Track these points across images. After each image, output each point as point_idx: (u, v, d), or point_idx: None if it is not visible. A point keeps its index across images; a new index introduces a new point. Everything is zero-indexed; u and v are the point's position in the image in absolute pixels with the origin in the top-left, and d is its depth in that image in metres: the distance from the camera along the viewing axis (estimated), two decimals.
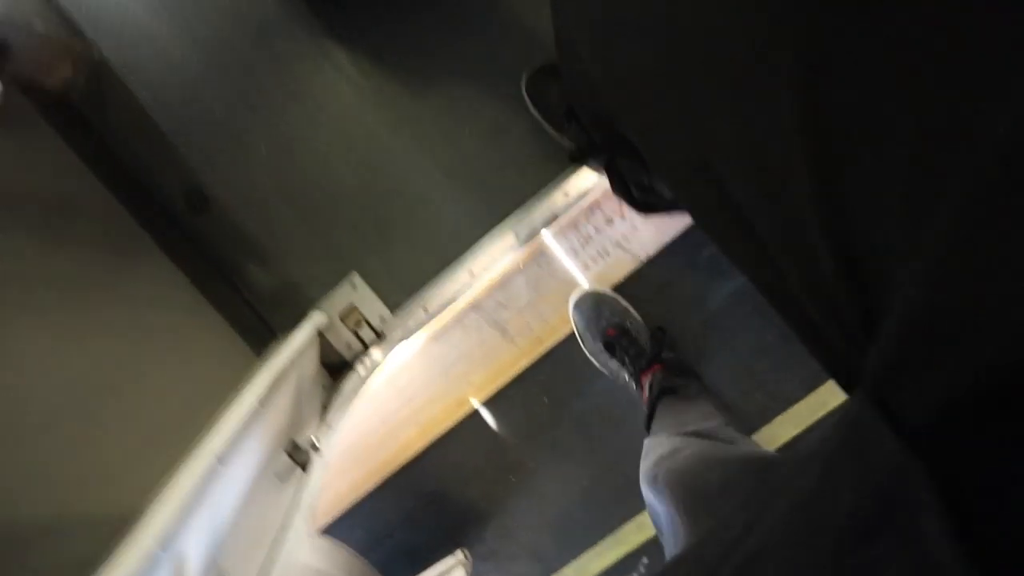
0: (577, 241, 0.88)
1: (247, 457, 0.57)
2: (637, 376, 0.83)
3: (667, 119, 0.30)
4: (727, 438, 0.70)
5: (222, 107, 0.79)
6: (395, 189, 0.80)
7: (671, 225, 0.85)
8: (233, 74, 0.78)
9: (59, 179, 0.69)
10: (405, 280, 0.81)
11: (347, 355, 0.85)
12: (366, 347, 0.84)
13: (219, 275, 0.82)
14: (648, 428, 0.79)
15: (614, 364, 0.85)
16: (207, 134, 0.79)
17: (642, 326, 0.86)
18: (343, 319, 0.84)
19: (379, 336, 0.83)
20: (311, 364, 0.80)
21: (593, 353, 0.88)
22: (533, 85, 0.74)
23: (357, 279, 0.83)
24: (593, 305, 0.85)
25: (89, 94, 0.79)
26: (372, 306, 0.83)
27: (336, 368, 0.86)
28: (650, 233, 0.86)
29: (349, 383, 0.83)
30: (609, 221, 0.87)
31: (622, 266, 0.87)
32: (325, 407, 0.80)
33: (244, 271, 0.83)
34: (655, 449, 0.69)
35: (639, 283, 0.88)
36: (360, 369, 0.84)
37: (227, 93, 0.79)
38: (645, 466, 0.68)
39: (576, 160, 0.70)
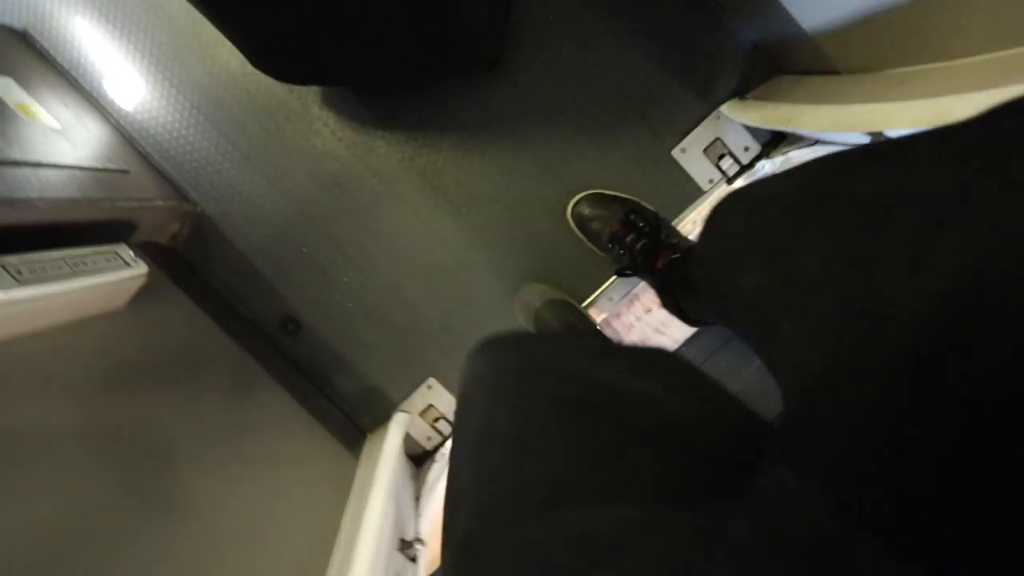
0: (622, 330, 0.99)
1: (377, 573, 0.69)
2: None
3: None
4: None
5: (308, 245, 0.91)
6: (461, 300, 0.92)
7: None
8: (315, 218, 0.91)
9: (187, 333, 0.81)
10: None
11: (427, 446, 0.98)
12: (445, 438, 0.96)
13: (315, 388, 0.95)
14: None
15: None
16: (297, 269, 0.92)
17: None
18: (422, 415, 0.96)
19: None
20: (401, 460, 0.92)
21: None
22: (576, 213, 0.85)
23: (433, 381, 0.95)
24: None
25: (193, 244, 0.92)
26: (447, 403, 0.95)
27: (419, 459, 0.99)
28: None
29: (432, 472, 0.95)
30: (648, 310, 0.98)
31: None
32: (417, 498, 0.92)
33: (335, 382, 0.95)
34: None
35: None
36: (439, 458, 0.96)
37: (312, 234, 0.91)
38: None
39: (622, 275, 0.81)
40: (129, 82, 0.88)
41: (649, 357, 0.38)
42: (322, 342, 0.94)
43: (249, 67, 0.86)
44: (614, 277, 0.90)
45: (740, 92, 0.84)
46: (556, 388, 0.34)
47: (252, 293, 0.93)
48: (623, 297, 0.92)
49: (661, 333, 0.98)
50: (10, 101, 0.74)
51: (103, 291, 0.67)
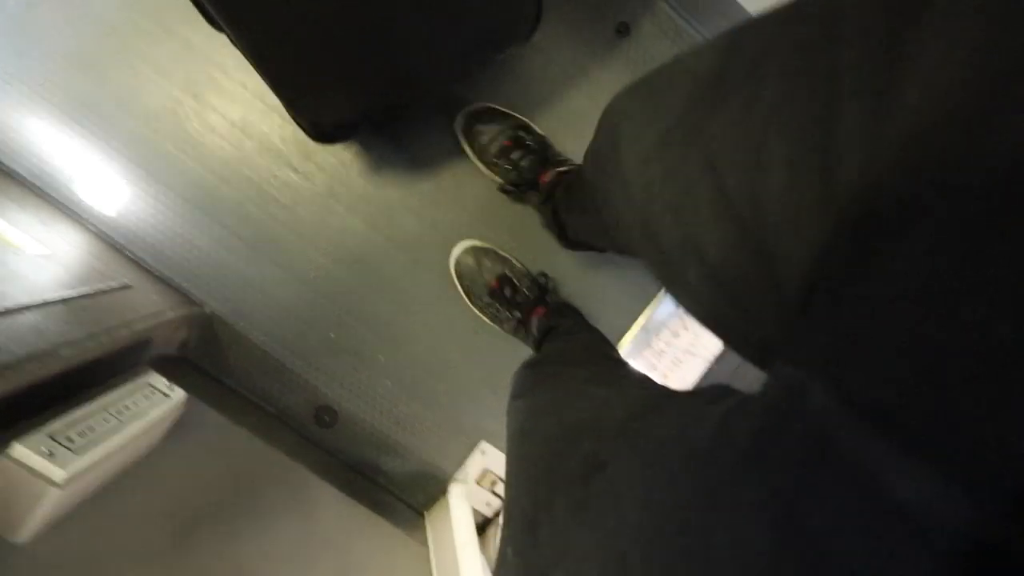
0: (653, 357, 1.01)
1: None
2: (526, 319, 0.82)
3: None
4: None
5: (336, 329, 0.86)
6: (504, 356, 0.90)
7: None
8: (340, 299, 0.86)
9: (227, 452, 0.74)
10: None
11: (488, 513, 0.94)
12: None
13: (362, 476, 0.89)
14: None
15: (503, 313, 0.84)
16: (326, 356, 0.87)
17: (523, 272, 0.86)
18: (479, 483, 0.93)
19: None
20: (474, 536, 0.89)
21: (480, 308, 0.87)
22: (464, 126, 0.83)
23: (485, 445, 0.92)
24: (474, 260, 0.85)
25: (205, 348, 0.84)
26: (502, 464, 0.93)
27: (480, 527, 0.95)
28: (710, 337, 1.01)
29: (497, 538, 0.92)
30: (676, 335, 1.01)
31: (695, 368, 1.02)
32: (489, 568, 0.89)
33: (381, 465, 0.90)
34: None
35: (709, 377, 1.03)
36: (501, 522, 0.94)
37: (338, 316, 0.86)
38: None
39: (505, 191, 0.83)
40: (105, 183, 0.80)
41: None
42: (362, 426, 0.89)
43: (245, 150, 0.81)
44: (647, 314, 0.92)
45: None
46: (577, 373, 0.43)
47: (281, 389, 0.86)
48: (656, 330, 0.94)
49: (692, 355, 1.02)
50: None
51: (149, 432, 0.60)
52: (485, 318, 0.87)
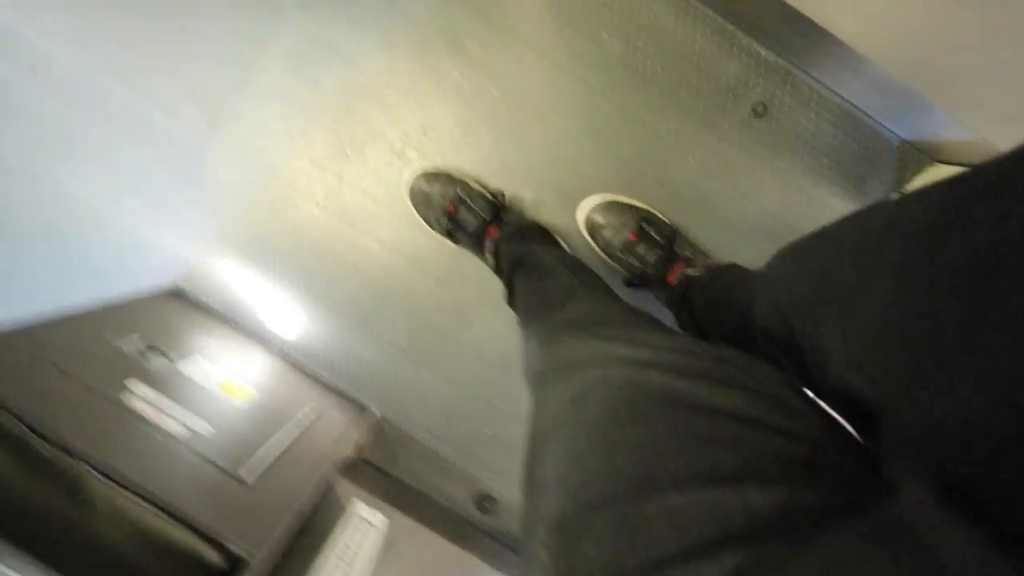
0: None
1: None
2: (480, 242, 0.77)
3: None
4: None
5: (491, 425, 0.91)
6: None
7: None
8: (493, 399, 0.91)
9: (418, 555, 0.82)
10: None
11: None
12: None
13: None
14: (512, 305, 0.70)
15: (465, 239, 0.79)
16: (482, 448, 0.92)
17: (477, 193, 0.80)
18: None
19: None
20: None
21: (443, 235, 0.82)
22: (588, 219, 0.81)
23: None
24: (425, 186, 0.80)
25: (377, 449, 0.93)
26: None
27: None
28: None
29: None
30: None
31: None
32: None
33: None
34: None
35: None
36: None
37: (492, 413, 0.91)
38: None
39: (631, 286, 0.79)
40: (287, 312, 0.90)
41: (730, 355, 0.37)
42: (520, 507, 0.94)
43: (396, 267, 0.87)
44: None
45: (896, 187, 0.81)
46: (640, 375, 0.33)
47: (443, 480, 0.93)
48: None
49: None
50: (209, 383, 0.75)
51: (369, 567, 0.67)
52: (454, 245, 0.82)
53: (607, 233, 0.81)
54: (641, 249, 0.77)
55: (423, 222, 0.83)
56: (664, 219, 0.82)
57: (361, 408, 0.91)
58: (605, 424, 0.31)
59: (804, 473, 0.26)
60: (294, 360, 0.91)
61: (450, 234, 0.80)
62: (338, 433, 0.81)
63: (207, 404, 0.70)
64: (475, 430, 0.92)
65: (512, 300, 0.70)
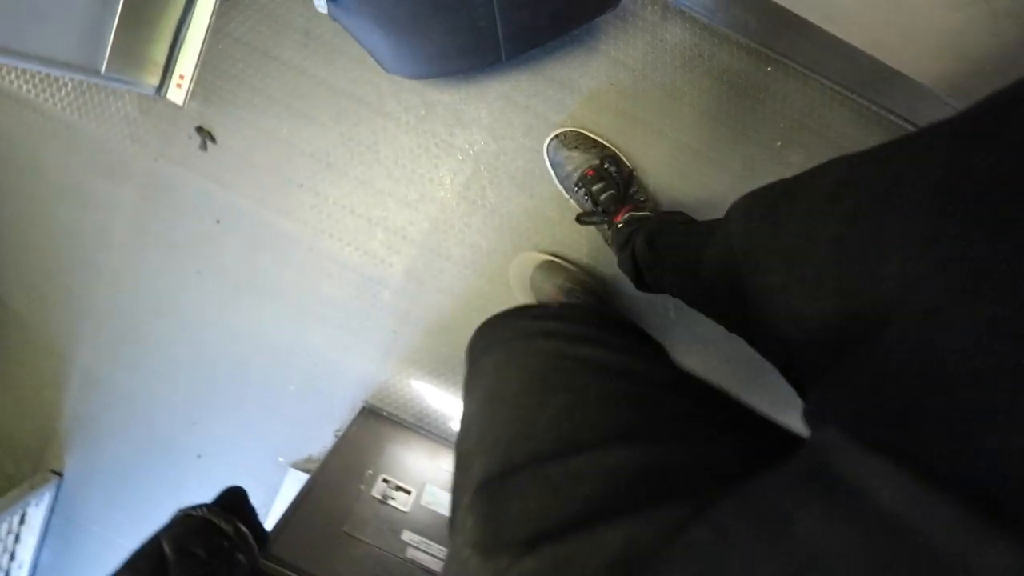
0: None
1: None
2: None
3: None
4: None
5: None
6: None
7: None
8: None
9: None
10: None
11: None
12: None
13: None
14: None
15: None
16: None
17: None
18: None
19: None
20: None
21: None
22: (552, 146, 0.82)
23: None
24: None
25: None
26: None
27: None
28: None
29: None
30: None
31: None
32: None
33: None
34: None
35: None
36: None
37: None
38: None
39: (581, 222, 0.79)
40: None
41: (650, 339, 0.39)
42: None
43: None
44: None
45: None
46: (566, 348, 0.34)
47: None
48: None
49: None
50: (436, 505, 0.80)
51: None
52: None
53: (568, 167, 0.80)
54: (596, 187, 0.77)
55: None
56: (626, 161, 0.82)
57: None
58: (529, 389, 0.32)
59: (723, 431, 0.28)
60: None
61: None
62: None
63: None
64: None
65: None
